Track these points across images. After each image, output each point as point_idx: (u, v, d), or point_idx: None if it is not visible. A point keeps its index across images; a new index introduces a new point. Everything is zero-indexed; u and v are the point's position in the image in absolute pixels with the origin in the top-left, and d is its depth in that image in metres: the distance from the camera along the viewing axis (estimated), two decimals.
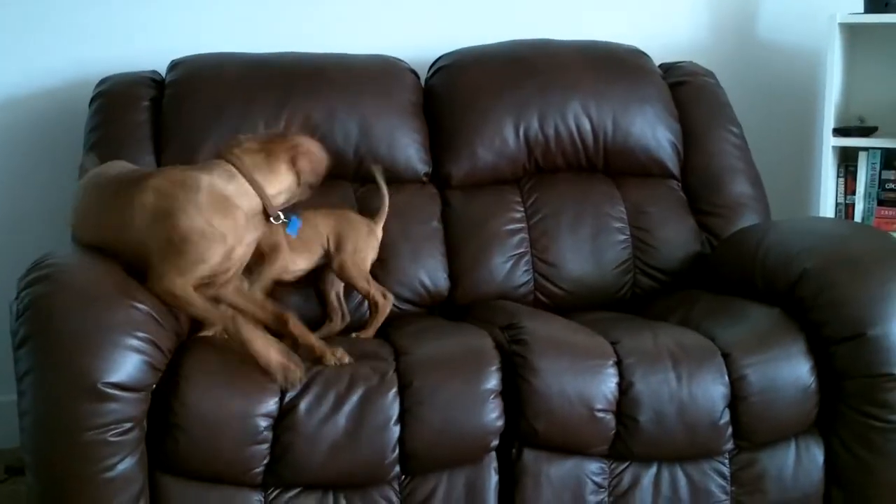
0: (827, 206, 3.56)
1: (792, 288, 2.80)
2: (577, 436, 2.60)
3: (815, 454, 2.73)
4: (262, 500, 2.50)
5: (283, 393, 2.48)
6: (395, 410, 2.51)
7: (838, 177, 3.59)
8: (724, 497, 2.69)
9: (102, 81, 3.32)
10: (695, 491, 2.68)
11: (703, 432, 2.64)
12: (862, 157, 3.55)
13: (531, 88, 3.38)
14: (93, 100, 3.27)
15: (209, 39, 3.45)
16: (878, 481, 2.71)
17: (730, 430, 2.66)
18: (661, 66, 3.58)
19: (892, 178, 3.54)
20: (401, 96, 3.37)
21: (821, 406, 2.70)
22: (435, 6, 3.69)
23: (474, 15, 3.70)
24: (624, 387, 2.60)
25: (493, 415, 2.55)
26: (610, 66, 3.49)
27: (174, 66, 3.34)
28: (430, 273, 3.19)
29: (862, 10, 3.54)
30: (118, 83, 3.31)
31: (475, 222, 3.27)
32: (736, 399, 2.64)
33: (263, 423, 2.45)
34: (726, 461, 2.70)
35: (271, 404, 2.46)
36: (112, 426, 2.33)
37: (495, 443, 2.58)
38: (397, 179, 3.27)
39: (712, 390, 2.63)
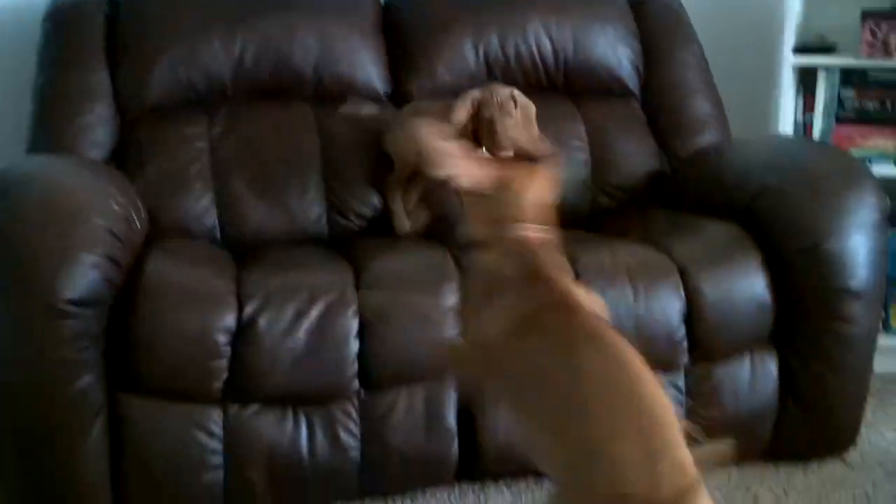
0: (786, 125, 3.56)
1: (750, 203, 2.82)
2: None
3: (770, 367, 2.77)
4: (222, 415, 2.50)
5: (241, 308, 2.47)
6: (354, 326, 2.52)
7: (797, 95, 3.60)
8: (680, 408, 2.71)
9: None
10: None
11: (659, 347, 2.66)
12: (821, 75, 3.55)
13: (491, 7, 3.36)
14: (46, 17, 3.20)
15: None
16: (831, 392, 2.77)
17: (686, 344, 2.69)
18: None
19: (851, 96, 3.55)
20: (361, 14, 3.34)
21: (776, 320, 2.73)
22: None
23: None
24: None
25: (452, 331, 2.55)
26: None
27: None
28: None
29: None
30: (71, 1, 3.25)
31: None
32: (692, 314, 2.67)
33: (222, 337, 2.45)
34: (682, 374, 2.73)
35: (230, 319, 2.46)
36: (70, 343, 2.34)
37: None
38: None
39: (669, 305, 2.67)
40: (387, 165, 3.07)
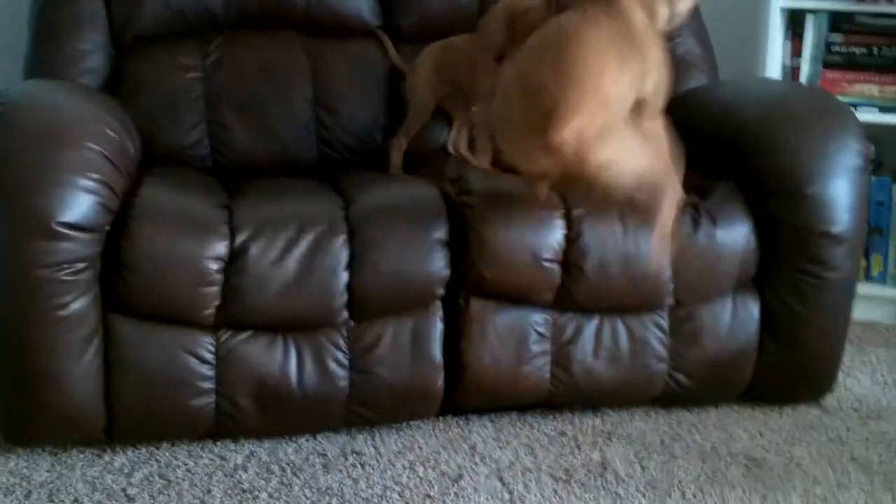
0: (774, 68, 3.58)
1: (736, 143, 2.84)
2: (523, 285, 2.65)
3: (752, 308, 2.80)
4: (214, 341, 2.54)
5: (233, 236, 2.51)
6: (344, 255, 2.55)
7: (785, 39, 3.62)
8: (661, 349, 2.76)
9: None
10: (634, 342, 2.75)
11: (645, 285, 2.70)
12: (809, 19, 3.56)
13: None
14: None
15: None
16: (809, 329, 2.81)
17: (671, 284, 2.72)
18: None
19: (839, 41, 3.56)
20: None
21: (759, 262, 2.77)
22: None
23: None
24: (571, 237, 2.64)
25: (439, 263, 2.60)
26: None
27: None
28: (376, 122, 3.21)
29: None
30: None
31: None
32: (678, 255, 2.69)
33: (214, 265, 2.48)
34: (666, 315, 2.77)
35: (221, 247, 2.49)
36: (65, 265, 2.37)
37: (441, 291, 2.63)
38: (347, 30, 3.27)
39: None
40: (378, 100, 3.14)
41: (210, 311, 2.50)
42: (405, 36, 3.31)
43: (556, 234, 2.64)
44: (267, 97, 3.13)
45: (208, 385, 2.54)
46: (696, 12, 3.43)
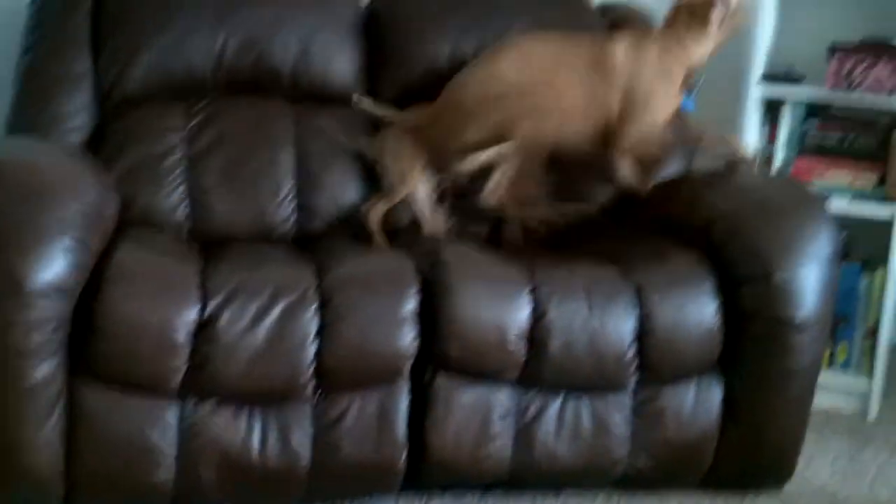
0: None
1: (706, 227, 2.89)
2: (490, 361, 2.67)
3: (715, 392, 2.82)
4: (179, 409, 2.54)
5: (204, 303, 2.52)
6: (314, 325, 2.56)
7: (762, 125, 3.67)
8: (624, 430, 2.78)
9: None
10: (597, 422, 2.77)
11: (610, 364, 2.73)
12: (786, 107, 3.62)
13: (472, 15, 3.43)
14: (32, 0, 3.25)
15: None
16: (775, 421, 2.83)
17: (636, 363, 2.75)
18: (598, 6, 3.63)
19: (814, 129, 3.62)
20: (343, 14, 3.40)
21: (724, 346, 2.80)
22: None
23: None
24: (538, 314, 2.67)
25: (408, 337, 2.61)
26: (545, 1, 3.55)
27: None
28: (360, 194, 3.23)
29: None
30: None
31: None
32: (644, 334, 2.73)
33: (184, 332, 2.48)
34: (630, 395, 2.79)
35: (193, 313, 2.50)
36: (37, 326, 2.36)
37: (409, 365, 2.64)
38: (333, 99, 3.32)
39: (622, 323, 2.72)
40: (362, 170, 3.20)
41: (176, 378, 2.50)
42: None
43: (523, 312, 2.67)
44: (249, 163, 3.16)
45: (171, 455, 2.53)
46: None
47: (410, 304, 2.63)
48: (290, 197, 3.18)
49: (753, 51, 3.64)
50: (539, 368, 2.70)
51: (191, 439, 2.55)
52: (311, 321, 2.57)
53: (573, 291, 2.72)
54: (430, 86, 3.33)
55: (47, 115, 3.10)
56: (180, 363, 2.49)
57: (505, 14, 3.47)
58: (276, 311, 2.55)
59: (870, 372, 3.56)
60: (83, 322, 2.45)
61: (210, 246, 2.96)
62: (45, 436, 2.44)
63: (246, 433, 2.58)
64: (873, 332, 3.55)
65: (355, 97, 3.30)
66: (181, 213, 3.10)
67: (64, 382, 2.45)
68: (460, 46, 3.39)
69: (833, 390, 3.50)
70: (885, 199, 3.50)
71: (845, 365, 3.57)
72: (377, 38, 3.41)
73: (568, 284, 2.74)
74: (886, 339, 3.55)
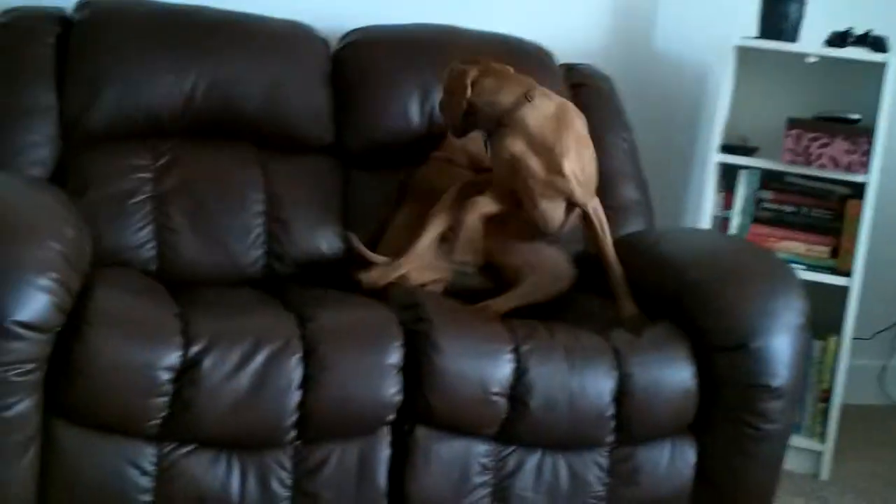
0: (704, 218, 3.69)
1: (679, 296, 2.91)
2: (471, 417, 2.66)
3: (689, 454, 2.83)
4: (156, 453, 2.48)
5: (187, 346, 2.46)
6: (298, 374, 2.52)
7: (718, 191, 3.73)
8: (600, 487, 2.78)
9: (6, 12, 3.22)
10: (574, 479, 2.76)
11: (588, 423, 2.72)
12: (742, 174, 3.69)
13: (441, 63, 3.41)
14: None
15: None
16: (746, 484, 2.85)
17: (613, 423, 2.75)
18: (562, 65, 3.66)
19: (769, 197, 3.70)
20: (310, 63, 3.38)
21: (699, 409, 2.82)
22: None
23: None
24: (519, 372, 2.66)
25: (392, 389, 2.58)
26: (515, 58, 3.54)
27: (82, 5, 3.25)
28: (328, 240, 3.21)
29: (756, 35, 3.68)
30: (23, 16, 3.22)
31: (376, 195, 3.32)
32: (622, 394, 2.73)
33: (165, 375, 2.43)
34: (606, 453, 2.79)
35: (175, 357, 2.44)
36: (15, 365, 2.29)
37: (391, 417, 2.61)
38: (300, 146, 3.30)
39: (601, 383, 2.71)
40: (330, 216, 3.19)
41: (157, 421, 2.44)
42: (356, 156, 3.35)
43: (504, 369, 2.66)
44: (218, 205, 3.12)
45: (146, 499, 2.47)
46: (636, 157, 3.54)
47: (394, 357, 2.60)
48: (260, 241, 3.14)
49: (713, 122, 3.71)
50: (519, 425, 2.69)
51: (167, 483, 2.49)
52: (294, 369, 2.53)
53: (554, 351, 2.72)
54: (396, 133, 3.35)
55: (10, 145, 3.03)
56: (160, 406, 2.44)
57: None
58: (259, 358, 2.50)
59: (822, 434, 3.65)
60: (61, 362, 2.38)
61: (178, 287, 2.89)
62: (19, 473, 2.37)
63: (224, 478, 2.52)
64: (826, 397, 3.62)
65: (347, 234, 3.18)
66: (147, 252, 3.04)
67: (40, 421, 2.38)
68: (427, 95, 3.38)
69: (796, 453, 3.58)
70: (836, 271, 3.59)
71: (796, 428, 3.62)
72: (344, 86, 3.40)
73: (549, 344, 2.73)
74: (838, 403, 3.64)
